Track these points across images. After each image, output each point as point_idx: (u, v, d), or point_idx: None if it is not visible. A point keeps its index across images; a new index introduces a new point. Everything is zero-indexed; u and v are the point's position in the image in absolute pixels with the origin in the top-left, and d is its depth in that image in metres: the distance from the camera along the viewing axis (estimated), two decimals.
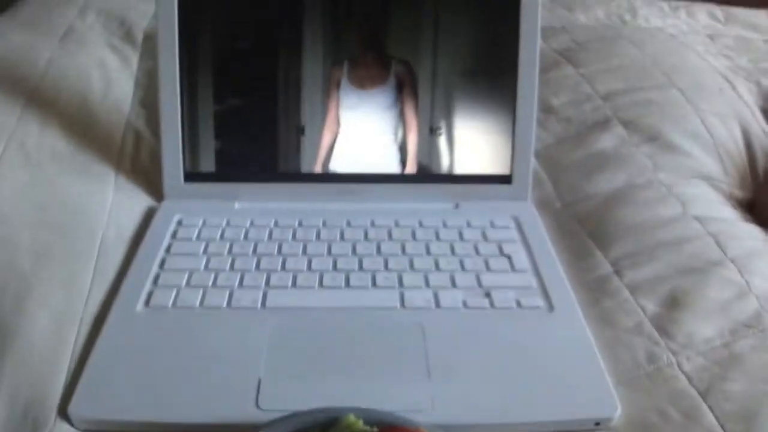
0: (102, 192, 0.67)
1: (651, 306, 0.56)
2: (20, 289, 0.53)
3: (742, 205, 0.73)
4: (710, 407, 0.47)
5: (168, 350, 0.50)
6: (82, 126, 0.75)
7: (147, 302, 0.55)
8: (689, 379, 0.49)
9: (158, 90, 0.66)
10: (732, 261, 0.59)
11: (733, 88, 0.86)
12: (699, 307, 0.55)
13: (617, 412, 0.47)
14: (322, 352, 0.51)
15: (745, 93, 0.86)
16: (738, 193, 0.74)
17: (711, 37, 1.07)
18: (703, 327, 0.53)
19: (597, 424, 0.47)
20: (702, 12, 1.18)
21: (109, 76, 0.85)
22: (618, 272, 0.60)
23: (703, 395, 0.48)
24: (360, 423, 0.41)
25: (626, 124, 0.77)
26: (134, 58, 0.91)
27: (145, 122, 0.79)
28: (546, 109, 0.82)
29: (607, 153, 0.74)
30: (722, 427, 0.45)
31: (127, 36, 0.95)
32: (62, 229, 0.60)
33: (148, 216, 0.66)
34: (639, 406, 0.48)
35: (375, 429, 0.40)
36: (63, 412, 0.46)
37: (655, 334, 0.53)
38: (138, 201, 0.68)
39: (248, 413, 0.45)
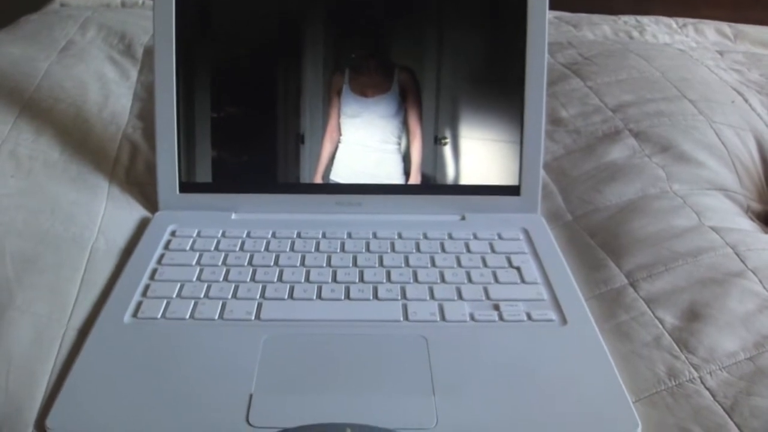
0: (94, 202, 0.64)
1: (669, 319, 0.52)
2: (2, 297, 0.50)
3: (760, 218, 0.70)
4: (737, 424, 0.43)
5: (155, 363, 0.47)
6: (77, 136, 0.73)
7: (135, 313, 0.52)
8: (713, 395, 0.46)
9: (154, 96, 0.64)
10: (753, 272, 0.56)
11: (746, 100, 0.84)
12: (720, 319, 0.51)
13: (638, 430, 0.43)
14: (318, 366, 0.47)
15: (757, 106, 0.84)
16: (755, 205, 0.71)
17: (720, 52, 1.05)
18: (725, 340, 0.50)
19: None
20: (710, 29, 1.17)
21: (107, 89, 0.84)
22: (633, 284, 0.56)
23: (729, 412, 0.44)
24: None
25: (637, 135, 0.75)
26: (133, 72, 0.90)
27: (142, 134, 0.77)
28: (554, 121, 0.79)
29: (618, 164, 0.71)
30: None
31: (128, 50, 0.95)
32: (50, 237, 0.58)
33: (142, 227, 0.64)
34: (660, 423, 0.44)
35: None
36: (41, 427, 0.43)
37: (675, 347, 0.50)
38: (132, 212, 0.66)
39: (238, 430, 0.42)
